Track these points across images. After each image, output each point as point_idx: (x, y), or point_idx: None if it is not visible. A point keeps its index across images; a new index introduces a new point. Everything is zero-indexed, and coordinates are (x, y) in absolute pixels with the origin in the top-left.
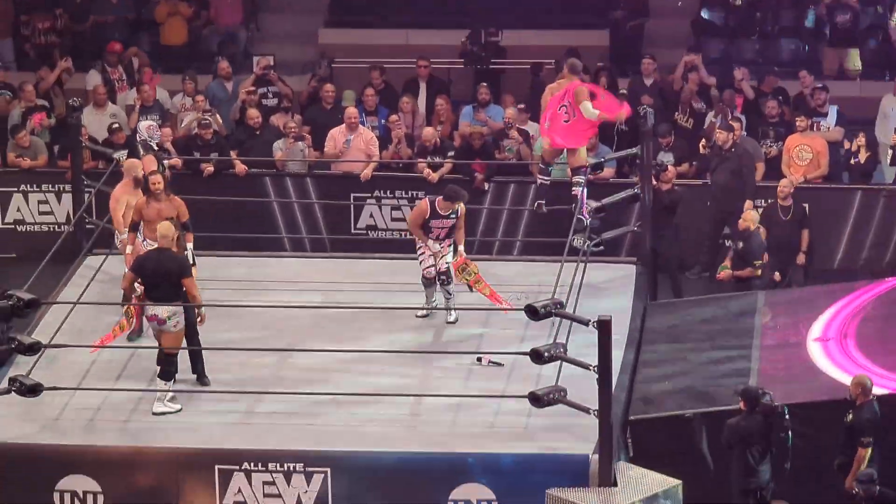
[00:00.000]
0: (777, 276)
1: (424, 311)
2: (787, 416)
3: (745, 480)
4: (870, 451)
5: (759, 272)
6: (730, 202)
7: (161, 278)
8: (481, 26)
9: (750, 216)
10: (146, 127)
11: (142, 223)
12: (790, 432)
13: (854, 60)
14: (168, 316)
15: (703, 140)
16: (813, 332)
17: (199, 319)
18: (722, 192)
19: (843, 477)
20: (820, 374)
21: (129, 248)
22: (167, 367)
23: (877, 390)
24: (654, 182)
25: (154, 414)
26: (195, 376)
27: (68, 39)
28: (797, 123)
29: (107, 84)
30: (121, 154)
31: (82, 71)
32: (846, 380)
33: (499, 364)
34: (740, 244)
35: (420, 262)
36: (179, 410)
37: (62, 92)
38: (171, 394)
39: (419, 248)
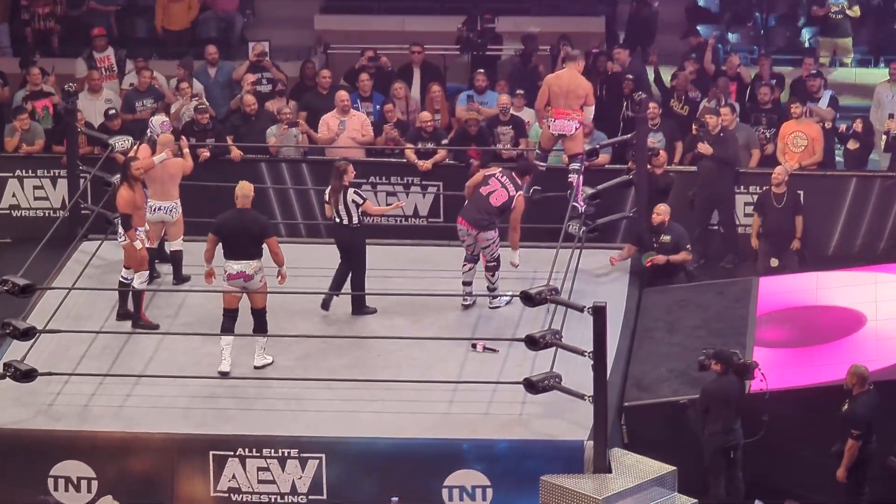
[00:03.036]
0: (774, 261)
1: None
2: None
3: (724, 438)
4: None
5: (691, 256)
6: (717, 188)
7: (244, 237)
8: (477, 12)
9: (662, 209)
10: (160, 123)
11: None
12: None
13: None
14: (254, 271)
15: (694, 125)
16: None
17: (279, 278)
18: (709, 176)
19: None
20: None
21: (138, 244)
22: (263, 321)
23: None
24: (647, 165)
25: (256, 367)
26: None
27: (65, 25)
28: (792, 110)
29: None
30: (116, 140)
31: (73, 57)
32: None
33: (493, 350)
34: (665, 238)
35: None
36: (272, 362)
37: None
38: (265, 347)
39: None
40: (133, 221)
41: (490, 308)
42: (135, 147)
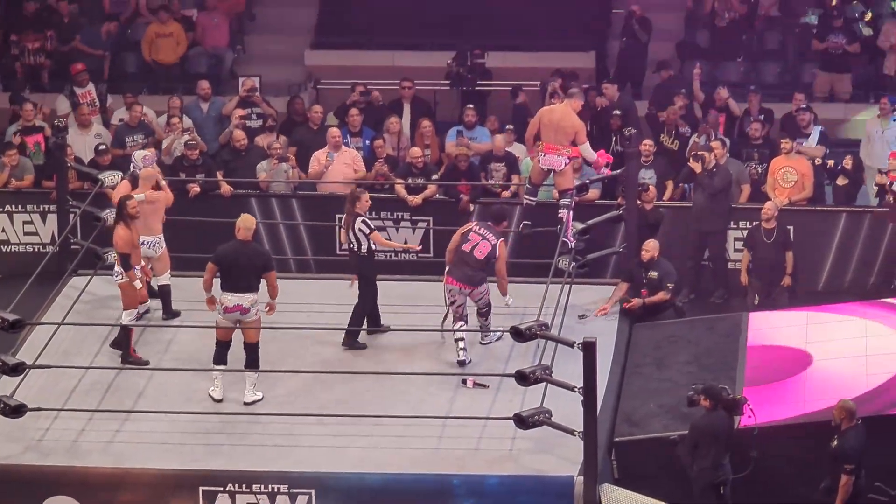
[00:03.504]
0: (756, 299)
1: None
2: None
3: (713, 474)
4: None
5: (670, 296)
6: (709, 224)
7: (246, 270)
8: (467, 48)
9: (651, 245)
10: (142, 157)
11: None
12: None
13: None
14: (251, 305)
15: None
16: None
17: (267, 309)
18: (701, 212)
19: (829, 501)
20: None
21: (137, 284)
22: (255, 356)
23: None
24: (637, 200)
25: (245, 404)
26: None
27: (55, 60)
28: (782, 145)
29: (75, 109)
30: (106, 175)
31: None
32: None
33: (483, 386)
34: (652, 273)
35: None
36: (262, 398)
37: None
38: (255, 383)
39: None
40: (131, 260)
41: (481, 343)
42: (117, 184)
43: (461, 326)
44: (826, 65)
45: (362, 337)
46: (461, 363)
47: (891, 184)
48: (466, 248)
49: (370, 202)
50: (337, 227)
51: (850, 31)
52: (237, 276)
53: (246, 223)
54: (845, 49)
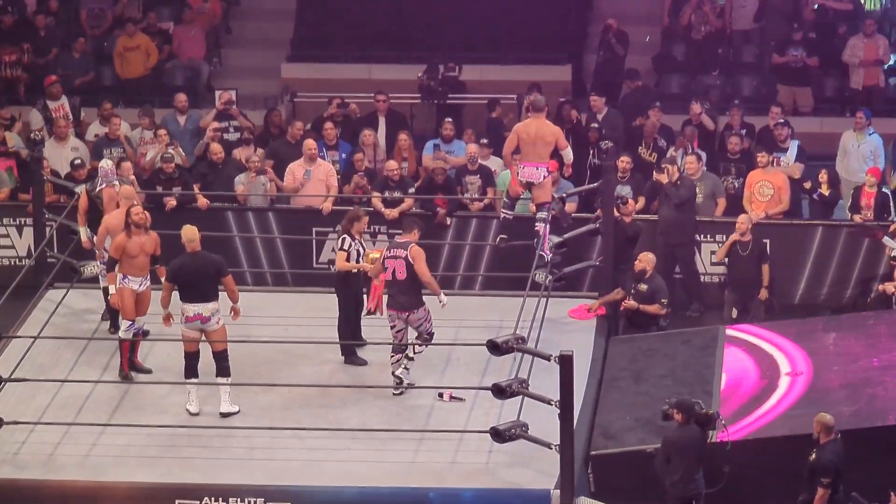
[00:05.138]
0: (734, 313)
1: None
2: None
3: (685, 488)
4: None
5: (664, 311)
6: (676, 236)
7: (202, 279)
8: (443, 61)
9: (646, 258)
10: (109, 167)
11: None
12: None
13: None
14: (211, 313)
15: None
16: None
17: (233, 314)
18: (667, 225)
19: None
20: None
21: (112, 288)
22: (225, 363)
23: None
24: (616, 213)
25: (222, 414)
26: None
27: (32, 74)
28: (758, 159)
29: (48, 122)
30: (82, 188)
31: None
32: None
33: (460, 399)
34: (643, 286)
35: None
36: (238, 412)
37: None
38: (230, 392)
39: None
40: (120, 268)
41: (394, 376)
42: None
43: (397, 360)
44: (786, 78)
45: (336, 349)
46: (395, 395)
47: (812, 189)
48: (387, 276)
49: (365, 225)
50: (314, 241)
51: (810, 44)
52: (193, 286)
53: (188, 235)
54: (805, 62)
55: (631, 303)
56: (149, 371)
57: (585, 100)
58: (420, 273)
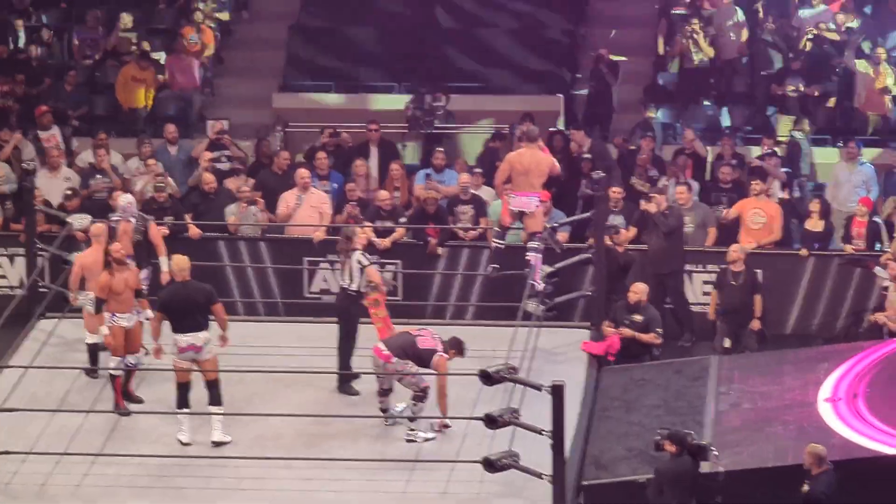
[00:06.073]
0: (727, 342)
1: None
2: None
3: None
4: None
5: (660, 341)
6: (665, 265)
7: (192, 308)
8: (434, 91)
9: (639, 288)
10: (129, 203)
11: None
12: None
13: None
14: (203, 343)
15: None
16: (822, 391)
17: (221, 342)
18: (656, 254)
19: None
20: (833, 435)
21: (104, 330)
22: (217, 392)
23: (888, 450)
24: (609, 242)
25: (214, 443)
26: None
27: (24, 105)
28: (752, 186)
29: (39, 154)
30: (74, 218)
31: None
32: (859, 440)
33: (446, 426)
34: (637, 317)
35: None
36: (231, 441)
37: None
38: (222, 421)
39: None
40: (108, 307)
41: (406, 440)
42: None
43: (382, 401)
44: (785, 108)
45: (328, 378)
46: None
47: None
48: (413, 331)
49: (366, 238)
50: (306, 271)
51: (809, 75)
52: (184, 316)
53: (179, 264)
54: (804, 93)
55: (626, 331)
56: (141, 401)
57: (578, 130)
58: (440, 387)
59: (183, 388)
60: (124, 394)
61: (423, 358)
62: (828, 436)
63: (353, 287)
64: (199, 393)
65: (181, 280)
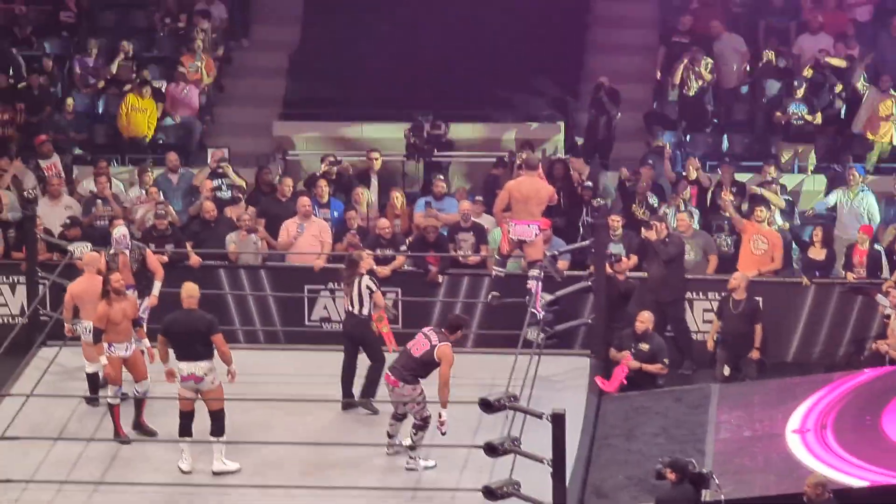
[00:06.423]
0: (726, 370)
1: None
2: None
3: None
4: None
5: (666, 371)
6: (666, 293)
7: (191, 337)
8: (423, 119)
9: (646, 317)
10: (122, 235)
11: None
12: None
13: (810, 158)
14: (205, 373)
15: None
16: (791, 423)
17: (229, 377)
18: (656, 282)
19: None
20: (799, 467)
21: (103, 359)
22: (220, 423)
23: (856, 482)
24: (610, 269)
25: (214, 473)
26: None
27: (24, 133)
28: (756, 212)
29: (40, 182)
30: (75, 246)
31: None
32: (827, 472)
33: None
34: (644, 346)
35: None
36: (238, 470)
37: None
38: (225, 452)
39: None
40: (106, 337)
41: (406, 468)
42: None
43: (393, 424)
44: (788, 136)
45: (330, 407)
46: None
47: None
48: (409, 344)
49: (372, 261)
50: (306, 299)
51: (811, 102)
52: (185, 344)
53: (188, 291)
54: (807, 120)
55: (633, 363)
56: (154, 433)
57: (577, 157)
58: (442, 374)
59: (185, 417)
60: (136, 425)
61: (425, 363)
62: (795, 467)
63: (364, 311)
64: (202, 422)
65: (186, 307)
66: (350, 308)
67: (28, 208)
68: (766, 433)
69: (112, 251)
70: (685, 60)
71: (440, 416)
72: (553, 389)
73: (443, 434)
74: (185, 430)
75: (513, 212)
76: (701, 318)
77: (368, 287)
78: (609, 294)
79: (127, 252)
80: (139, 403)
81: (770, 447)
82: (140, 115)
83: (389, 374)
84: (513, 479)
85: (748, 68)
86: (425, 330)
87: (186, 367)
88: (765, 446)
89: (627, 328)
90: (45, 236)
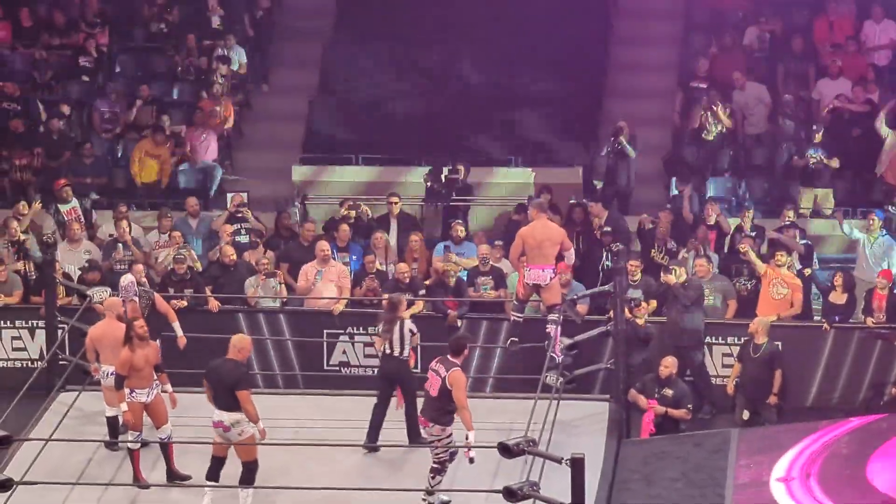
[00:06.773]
0: (746, 415)
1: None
2: None
3: None
4: None
5: (689, 416)
6: (685, 338)
7: (221, 387)
8: (447, 164)
9: (671, 362)
10: (130, 283)
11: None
12: None
13: (827, 200)
14: (232, 423)
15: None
16: (776, 471)
17: (260, 434)
18: (676, 328)
19: None
20: None
21: (124, 406)
22: (251, 475)
23: None
24: (629, 314)
25: None
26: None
27: (42, 177)
28: (777, 257)
29: (60, 227)
30: (95, 291)
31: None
32: None
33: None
34: (668, 391)
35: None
36: None
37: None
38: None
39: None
40: (128, 383)
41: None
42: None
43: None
44: (807, 180)
45: (351, 451)
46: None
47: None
48: (425, 385)
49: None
50: (325, 344)
51: (829, 147)
52: (217, 392)
53: (233, 342)
54: (826, 164)
55: (659, 408)
56: (188, 478)
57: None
58: (457, 398)
59: (215, 462)
60: (168, 472)
61: (442, 395)
62: None
63: (405, 354)
64: (233, 467)
65: (229, 356)
66: (389, 350)
67: (47, 252)
68: (751, 482)
69: (121, 299)
70: (704, 105)
71: (466, 439)
72: (572, 434)
73: (470, 461)
74: (213, 474)
75: (528, 257)
76: (720, 363)
77: (411, 330)
78: (628, 339)
79: (136, 299)
80: (166, 451)
81: (753, 496)
82: (153, 162)
83: (421, 415)
84: None
85: (768, 114)
86: (432, 365)
87: (217, 415)
88: (748, 495)
89: (650, 373)
90: (64, 280)
